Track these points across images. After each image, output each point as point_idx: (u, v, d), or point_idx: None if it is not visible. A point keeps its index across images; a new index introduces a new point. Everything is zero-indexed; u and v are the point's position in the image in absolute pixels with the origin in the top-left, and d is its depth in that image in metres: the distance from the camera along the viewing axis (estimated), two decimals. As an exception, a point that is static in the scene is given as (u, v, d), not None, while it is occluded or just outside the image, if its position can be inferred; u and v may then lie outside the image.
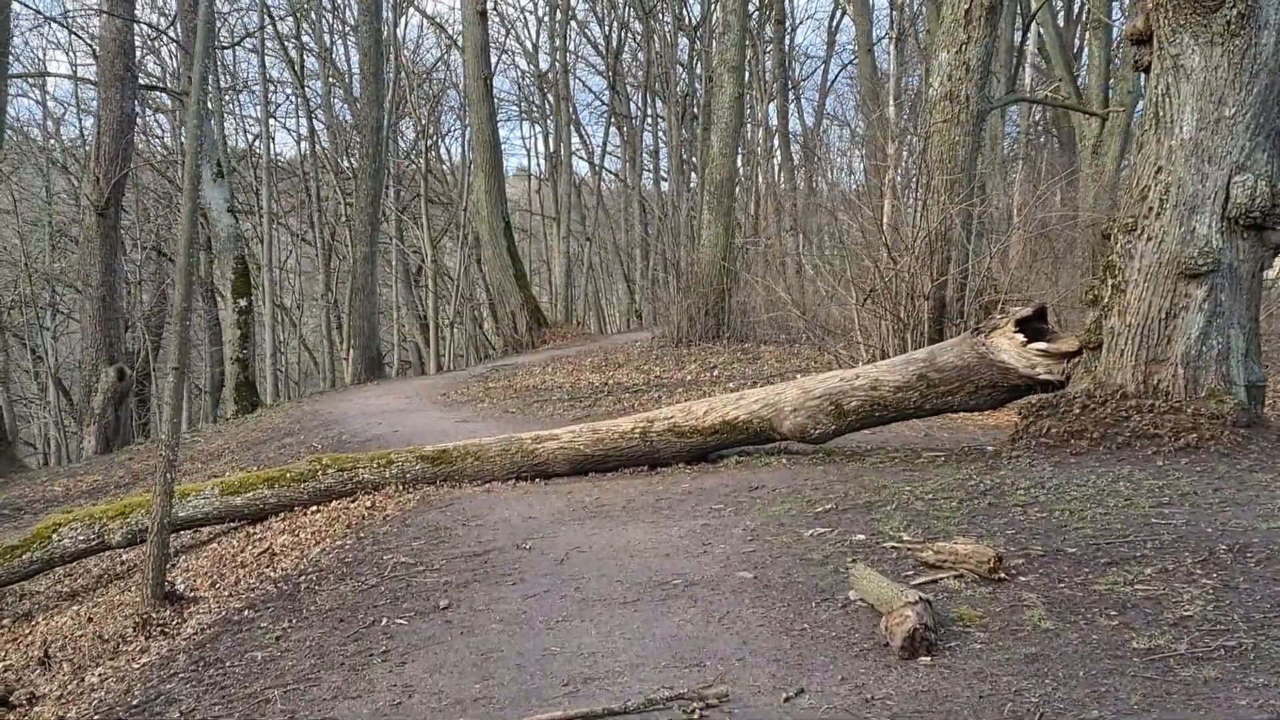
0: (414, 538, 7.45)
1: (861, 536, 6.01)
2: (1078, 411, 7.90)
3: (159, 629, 6.22)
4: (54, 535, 8.45)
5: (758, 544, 6.17)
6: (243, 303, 19.95)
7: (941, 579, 5.12)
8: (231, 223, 20.14)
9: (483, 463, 9.06)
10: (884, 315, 12.88)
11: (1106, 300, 8.08)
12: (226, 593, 6.98)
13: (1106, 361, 8.01)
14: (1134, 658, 4.03)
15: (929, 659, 4.21)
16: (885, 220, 13.69)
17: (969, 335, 8.55)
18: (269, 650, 5.29)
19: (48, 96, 33.10)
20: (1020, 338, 8.27)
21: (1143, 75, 8.37)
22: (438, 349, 32.51)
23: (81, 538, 8.48)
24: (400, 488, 8.88)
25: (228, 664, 5.29)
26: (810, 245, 23.19)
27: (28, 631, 7.97)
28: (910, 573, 5.26)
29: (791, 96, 39.56)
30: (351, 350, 23.34)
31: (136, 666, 5.73)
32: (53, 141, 33.39)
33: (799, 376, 14.17)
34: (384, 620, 5.44)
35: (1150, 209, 7.84)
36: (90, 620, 7.65)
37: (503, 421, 12.90)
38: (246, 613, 6.10)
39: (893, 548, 5.74)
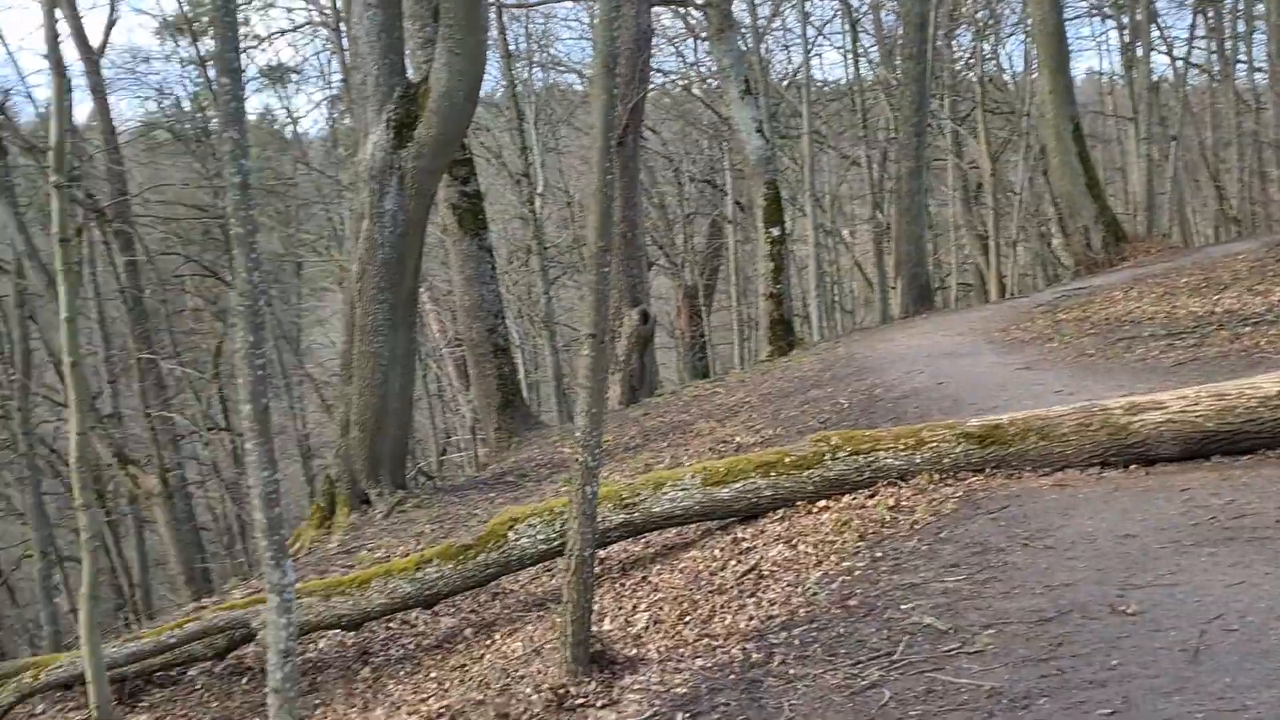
0: (948, 566, 5.06)
1: None
2: None
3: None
4: (509, 534, 6.92)
5: None
6: (775, 231, 18.11)
7: None
8: (761, 144, 18.30)
9: (1051, 443, 6.35)
10: None
11: None
12: (682, 651, 4.97)
13: None
14: None
15: None
16: None
17: None
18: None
19: None
20: None
21: None
22: (999, 271, 29.16)
23: (541, 538, 6.85)
24: (935, 478, 6.45)
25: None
26: None
27: (472, 661, 6.53)
28: None
29: None
30: (899, 279, 20.88)
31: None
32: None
33: None
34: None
35: None
36: (537, 654, 6.00)
37: (1076, 369, 9.87)
38: (679, 716, 3.98)
39: None
